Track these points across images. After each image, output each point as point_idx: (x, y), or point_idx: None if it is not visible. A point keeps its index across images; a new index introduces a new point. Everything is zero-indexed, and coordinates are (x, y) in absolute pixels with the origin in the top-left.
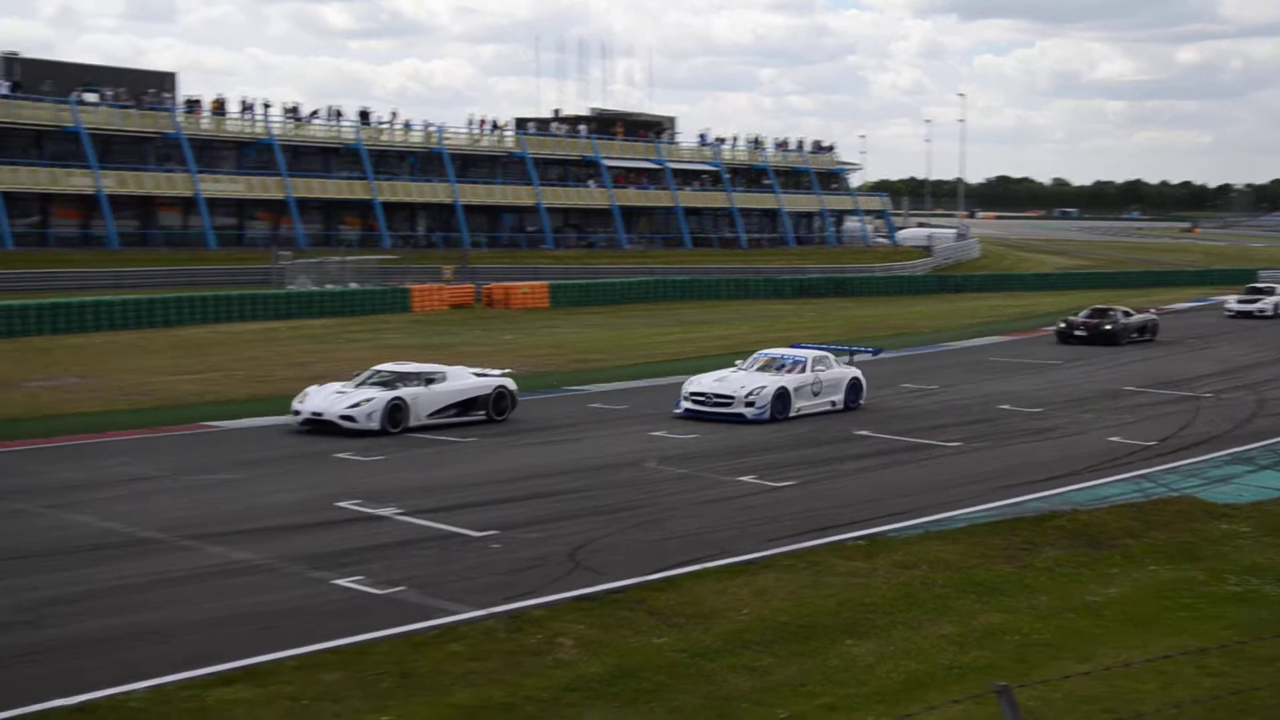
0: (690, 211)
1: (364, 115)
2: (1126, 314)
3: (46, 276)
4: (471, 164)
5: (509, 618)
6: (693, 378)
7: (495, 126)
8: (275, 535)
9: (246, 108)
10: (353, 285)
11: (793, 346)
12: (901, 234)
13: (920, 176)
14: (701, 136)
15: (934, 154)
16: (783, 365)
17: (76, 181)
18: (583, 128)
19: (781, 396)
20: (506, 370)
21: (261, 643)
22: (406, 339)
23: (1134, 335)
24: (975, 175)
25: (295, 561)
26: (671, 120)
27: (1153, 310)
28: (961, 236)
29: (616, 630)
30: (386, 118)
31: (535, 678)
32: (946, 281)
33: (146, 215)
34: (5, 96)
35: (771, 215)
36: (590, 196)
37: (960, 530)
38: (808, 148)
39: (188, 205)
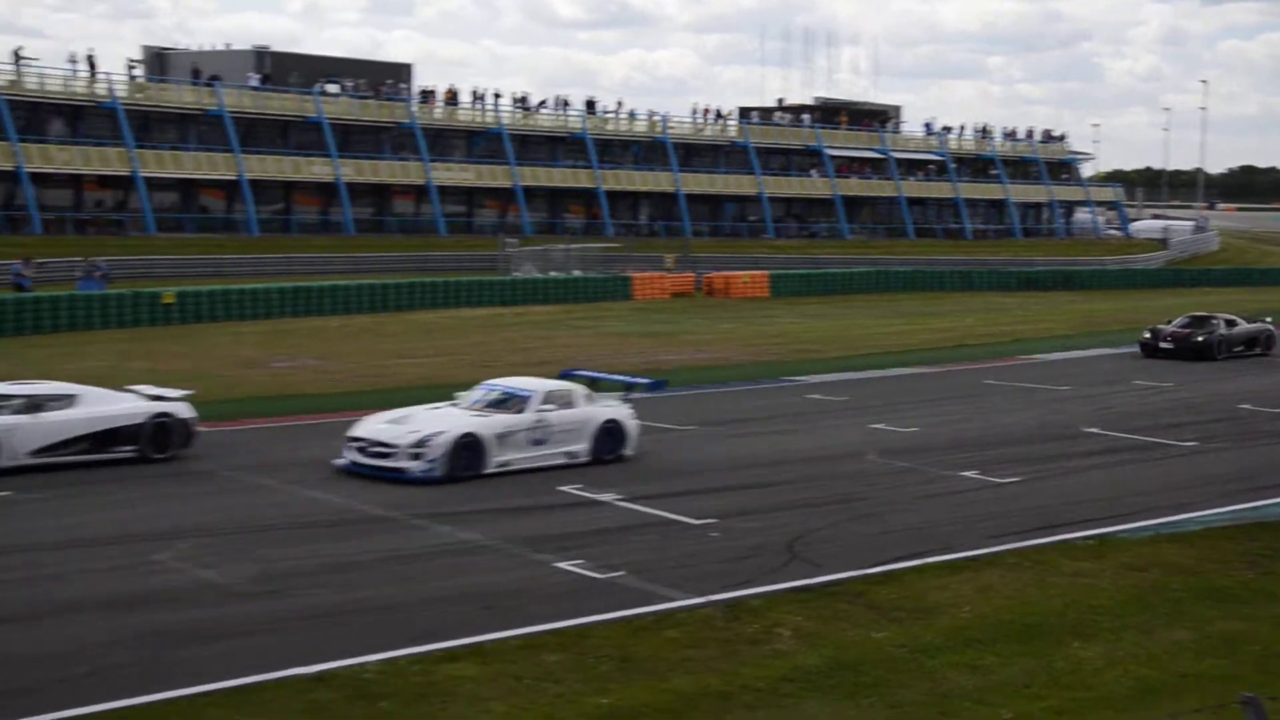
0: (914, 202)
1: (590, 105)
2: (1230, 323)
3: (288, 261)
4: (694, 153)
5: (727, 606)
6: (370, 416)
7: (719, 116)
8: (499, 517)
9: (478, 98)
10: (576, 272)
11: (563, 374)
12: (1135, 226)
13: (1157, 167)
14: (927, 126)
15: (1172, 143)
16: (505, 401)
17: (317, 170)
18: (806, 117)
19: (468, 447)
20: (186, 392)
21: (486, 622)
22: (627, 326)
23: (1238, 348)
24: (1216, 165)
25: (518, 543)
26: (896, 109)
27: (1268, 319)
28: (1199, 229)
29: (835, 623)
30: (612, 107)
31: (752, 667)
32: (1182, 275)
33: (381, 203)
34: (255, 88)
35: (998, 206)
36: (812, 186)
37: (1195, 533)
38: (1037, 137)
39: (420, 193)
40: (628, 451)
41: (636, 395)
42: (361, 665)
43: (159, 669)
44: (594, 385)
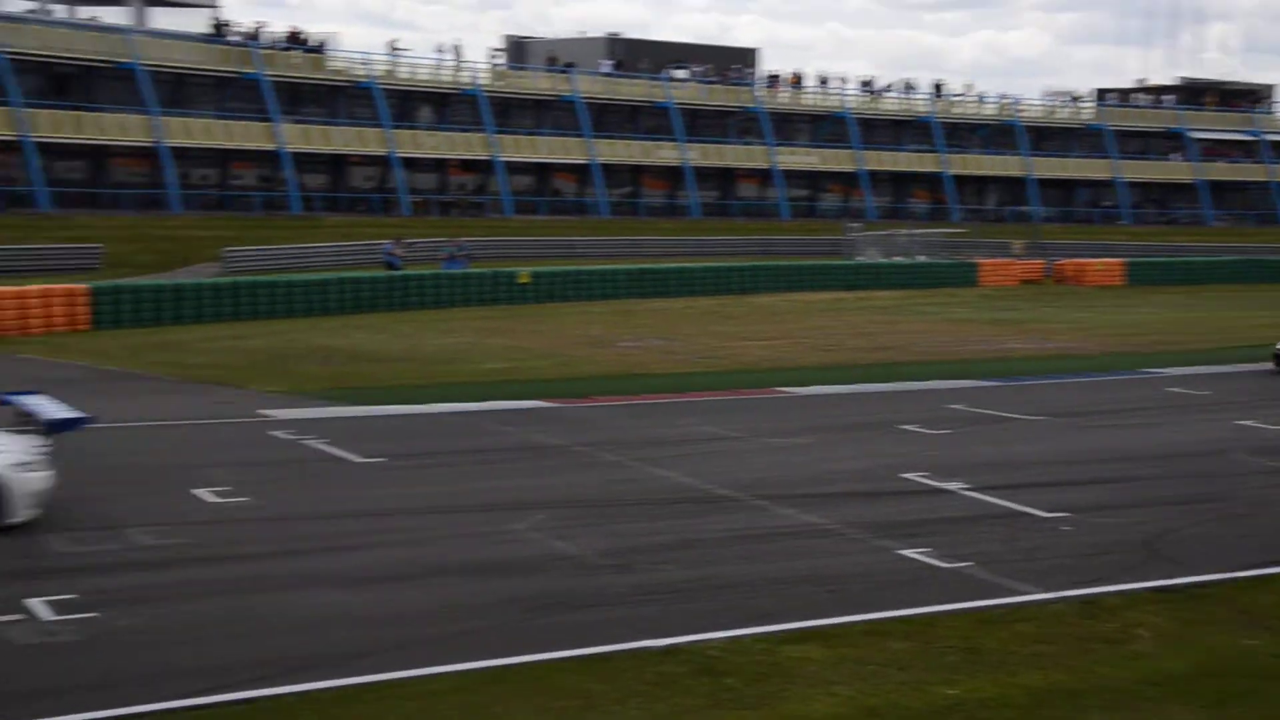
0: None
1: (937, 88)
2: None
3: (636, 244)
4: (1045, 136)
5: (1080, 602)
6: None
7: (1073, 98)
8: (841, 501)
9: (823, 81)
10: (920, 258)
11: (2, 399)
12: None
13: None
14: None
15: None
16: None
17: (664, 154)
18: (1168, 98)
19: None
20: None
21: (829, 605)
22: (972, 313)
23: None
24: None
25: (861, 528)
26: (1269, 88)
27: None
28: None
29: (1200, 626)
30: (959, 90)
31: (1108, 667)
32: None
33: (726, 186)
34: (607, 75)
35: None
36: (1173, 170)
37: None
38: None
39: (764, 177)
40: (13, 519)
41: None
42: (707, 641)
43: (516, 633)
44: (26, 420)
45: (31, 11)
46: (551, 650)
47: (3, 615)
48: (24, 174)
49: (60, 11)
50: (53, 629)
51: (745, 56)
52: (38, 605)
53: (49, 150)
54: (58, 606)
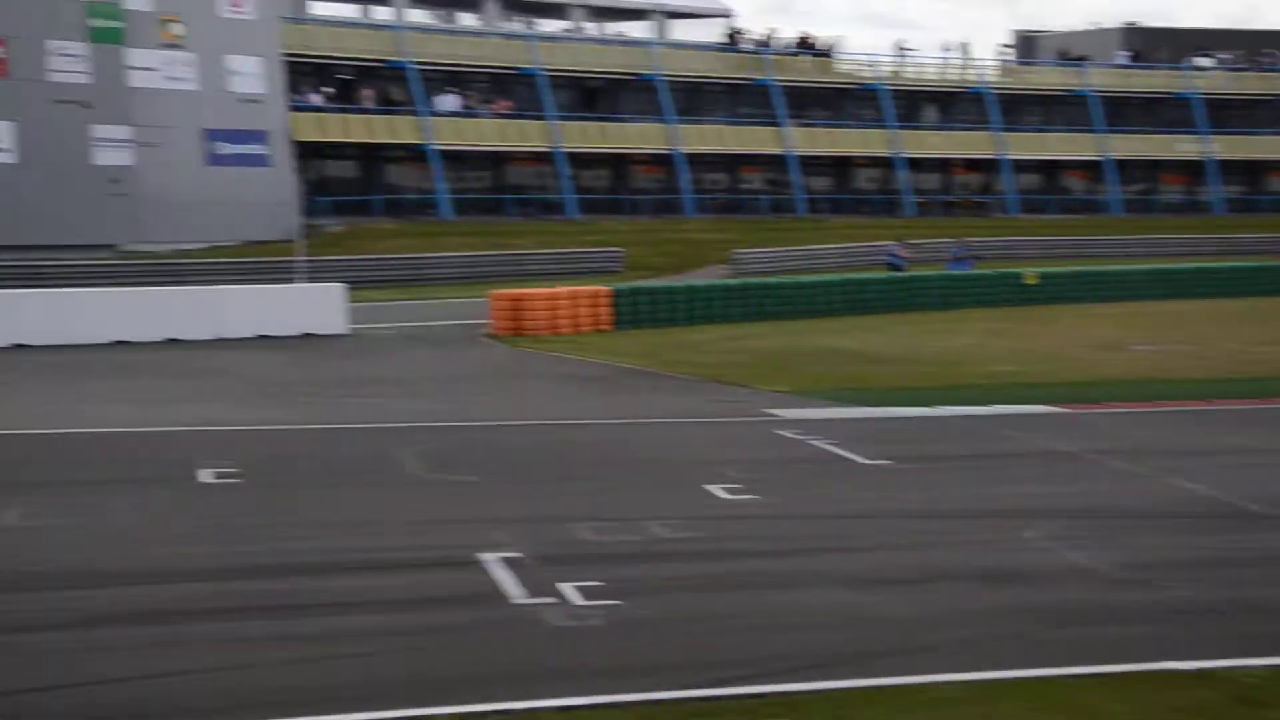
0: None
1: None
2: None
3: (1151, 242)
4: None
5: None
6: None
7: None
8: None
9: None
10: None
11: None
12: None
13: None
14: None
15: None
16: None
17: (1184, 148)
18: None
19: None
20: None
21: None
22: None
23: None
24: None
25: None
26: None
27: None
28: None
29: None
30: None
31: None
32: None
33: (1254, 180)
34: (1122, 66)
35: None
36: None
37: None
38: None
39: None
40: None
41: None
42: (1244, 668)
43: (1028, 645)
44: None
45: (567, 30)
46: (1067, 665)
47: (540, 597)
48: (555, 183)
49: (590, 29)
50: (582, 613)
51: (1278, 39)
52: (569, 590)
53: (577, 160)
54: (586, 592)
